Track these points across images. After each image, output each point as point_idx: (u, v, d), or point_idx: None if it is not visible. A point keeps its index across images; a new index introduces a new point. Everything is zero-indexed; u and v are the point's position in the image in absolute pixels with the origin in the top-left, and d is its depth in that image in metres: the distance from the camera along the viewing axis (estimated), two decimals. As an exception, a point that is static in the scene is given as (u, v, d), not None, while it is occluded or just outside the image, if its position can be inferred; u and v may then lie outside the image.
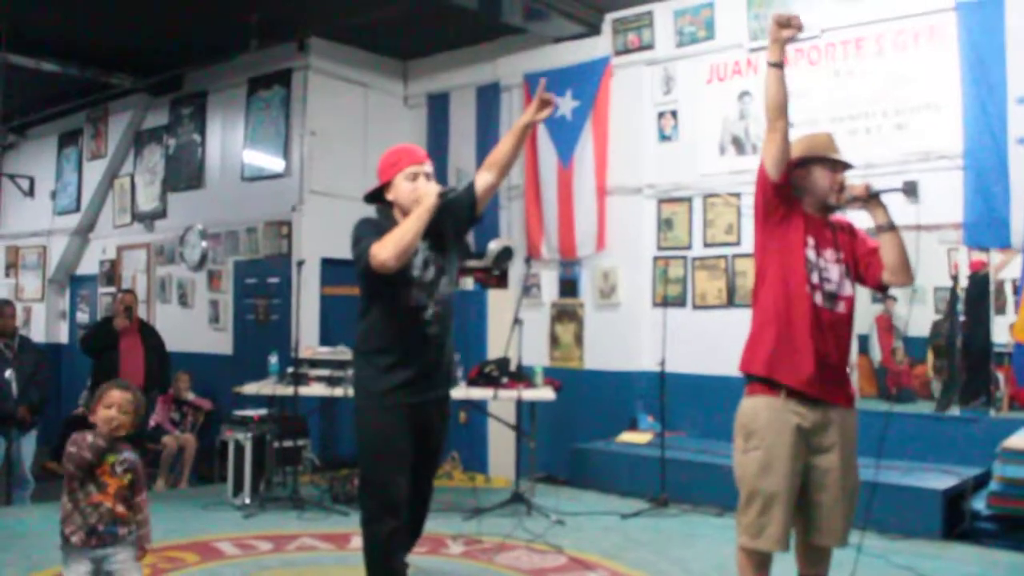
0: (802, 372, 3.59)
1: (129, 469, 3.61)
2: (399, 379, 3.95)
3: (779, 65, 3.56)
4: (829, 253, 3.71)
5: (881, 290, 3.87)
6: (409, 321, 3.97)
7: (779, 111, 3.57)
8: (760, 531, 3.59)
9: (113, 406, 3.61)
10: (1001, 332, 6.75)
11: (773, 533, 3.57)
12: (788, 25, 3.51)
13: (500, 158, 4.07)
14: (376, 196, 4.13)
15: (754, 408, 3.68)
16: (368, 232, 3.88)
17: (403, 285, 3.93)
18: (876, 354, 8.18)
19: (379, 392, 3.96)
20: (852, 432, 3.73)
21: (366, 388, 4.02)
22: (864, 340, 8.09)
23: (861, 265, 3.75)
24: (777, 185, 3.64)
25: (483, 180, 4.08)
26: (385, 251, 3.74)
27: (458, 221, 4.11)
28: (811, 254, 3.67)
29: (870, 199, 3.67)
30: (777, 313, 3.67)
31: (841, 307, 3.70)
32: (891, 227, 3.65)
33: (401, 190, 3.99)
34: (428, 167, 4.04)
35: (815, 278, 3.65)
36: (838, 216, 3.85)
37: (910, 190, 6.74)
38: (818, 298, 3.65)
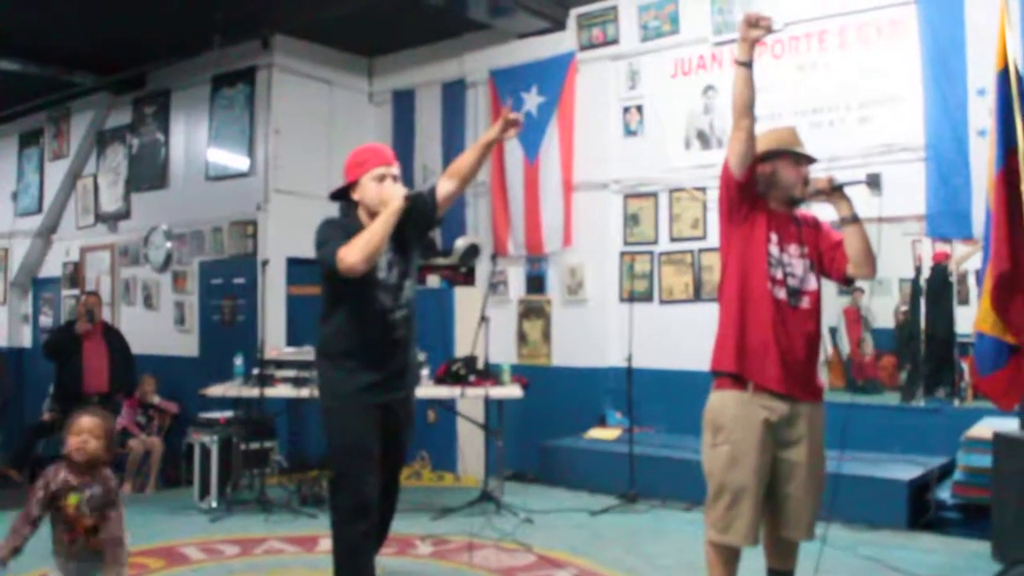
0: (768, 370, 3.61)
1: (96, 507, 3.52)
2: (366, 381, 3.94)
3: (747, 64, 3.57)
4: (793, 248, 3.73)
5: (846, 283, 3.89)
6: (375, 324, 3.96)
7: (745, 110, 3.59)
8: (728, 525, 3.61)
9: (83, 433, 3.52)
10: (964, 323, 6.78)
11: (741, 527, 3.58)
12: (757, 25, 3.51)
13: (462, 169, 4.07)
14: (341, 195, 4.10)
15: (722, 402, 3.69)
16: (333, 234, 3.84)
17: (369, 287, 3.91)
18: (844, 346, 8.23)
19: (347, 393, 3.95)
20: (820, 425, 3.75)
21: (333, 390, 4.00)
22: (832, 332, 8.13)
23: (826, 259, 3.76)
24: (741, 183, 3.66)
25: (444, 187, 4.07)
26: (353, 254, 3.71)
27: (419, 225, 4.09)
28: (774, 250, 3.69)
29: (833, 192, 3.70)
30: (740, 310, 3.69)
31: (805, 302, 3.71)
32: (854, 220, 3.68)
33: (367, 191, 3.96)
34: (395, 169, 4.02)
35: (778, 274, 3.67)
36: (803, 210, 3.87)
37: (873, 182, 6.74)
38: (781, 294, 3.67)
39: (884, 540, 5.67)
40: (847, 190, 3.73)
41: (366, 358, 3.95)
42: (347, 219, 4.02)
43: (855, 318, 8.16)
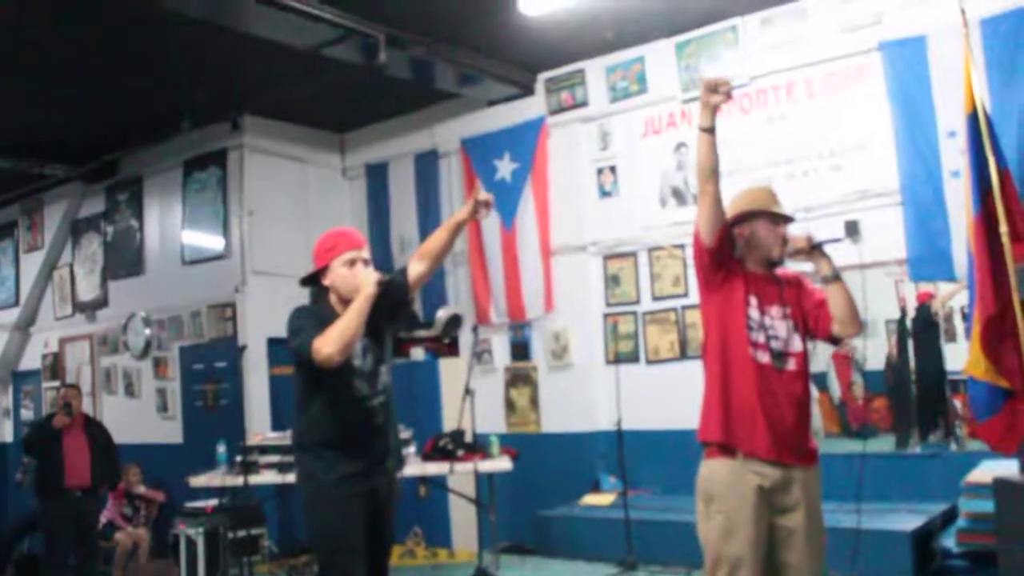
0: (756, 437, 3.51)
1: None
2: (347, 470, 3.82)
3: (710, 130, 3.50)
4: (775, 310, 3.64)
5: (832, 342, 3.77)
6: (353, 412, 3.85)
7: (709, 175, 3.53)
8: None
9: None
10: (953, 360, 6.73)
11: None
12: (716, 90, 3.45)
13: (433, 250, 4.02)
14: (311, 280, 4.01)
15: (712, 471, 3.58)
16: (306, 323, 3.75)
17: (345, 375, 3.81)
18: (836, 390, 8.15)
19: (328, 484, 3.81)
20: (816, 489, 3.62)
21: (315, 479, 3.86)
22: (823, 377, 8.06)
23: (810, 319, 3.67)
24: (713, 249, 3.58)
25: (415, 269, 4.02)
26: (329, 346, 3.62)
27: (392, 309, 4.00)
28: (754, 313, 3.60)
29: (813, 250, 3.61)
30: (723, 377, 3.59)
31: (791, 364, 3.61)
32: (836, 278, 3.58)
33: (338, 276, 3.87)
34: (365, 252, 3.94)
35: (760, 338, 3.58)
36: (784, 269, 3.78)
37: (852, 230, 6.76)
38: (764, 358, 3.57)
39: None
40: (826, 248, 3.64)
41: (345, 447, 3.83)
42: (319, 305, 3.93)
43: (845, 362, 8.09)
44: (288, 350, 3.86)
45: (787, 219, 3.70)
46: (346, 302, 3.80)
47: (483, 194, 3.94)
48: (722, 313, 3.63)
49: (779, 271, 3.74)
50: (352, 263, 3.87)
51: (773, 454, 3.50)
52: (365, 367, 3.89)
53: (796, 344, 3.64)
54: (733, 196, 3.67)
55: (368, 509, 3.89)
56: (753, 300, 3.61)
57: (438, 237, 4.03)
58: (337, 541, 3.81)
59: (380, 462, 3.95)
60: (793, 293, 3.70)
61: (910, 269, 6.56)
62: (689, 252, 7.44)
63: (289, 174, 9.59)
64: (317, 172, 9.83)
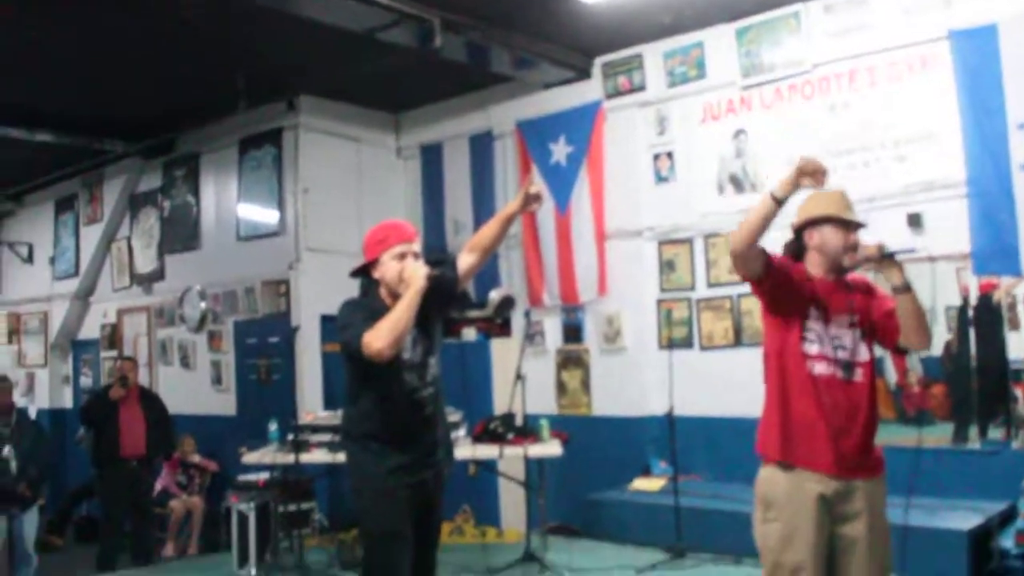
0: (817, 457, 3.43)
1: None
2: (396, 462, 3.82)
3: (780, 201, 3.37)
4: (842, 318, 3.55)
5: (898, 352, 3.67)
6: (402, 404, 3.85)
7: (751, 242, 3.40)
8: None
9: None
10: (1017, 349, 6.62)
11: None
12: (812, 174, 3.35)
13: (484, 242, 4.00)
14: (361, 272, 4.02)
15: (771, 476, 3.52)
16: (356, 317, 3.75)
17: (395, 368, 3.81)
18: (891, 375, 8.06)
19: (377, 475, 3.82)
20: (881, 498, 3.54)
21: (364, 472, 3.88)
22: (879, 362, 7.95)
23: (879, 329, 3.57)
24: (760, 283, 3.51)
25: (465, 262, 4.00)
26: (380, 340, 3.62)
27: (442, 302, 3.99)
28: (814, 325, 3.52)
29: (883, 260, 3.46)
30: (781, 392, 3.53)
31: (859, 375, 3.51)
32: (906, 288, 3.44)
33: (388, 269, 3.86)
34: (416, 245, 3.93)
35: (819, 350, 3.51)
36: (854, 275, 3.66)
37: (914, 223, 6.64)
38: (825, 370, 3.49)
39: (943, 595, 5.46)
40: (898, 258, 3.48)
41: (394, 439, 3.84)
42: (368, 298, 3.93)
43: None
44: (340, 344, 3.86)
45: (858, 225, 3.58)
46: (395, 295, 3.79)
47: (534, 187, 3.91)
48: (780, 325, 3.56)
49: (849, 277, 3.63)
50: (403, 256, 3.85)
51: (835, 470, 3.43)
52: (415, 359, 3.89)
53: (863, 353, 3.55)
54: (805, 198, 3.60)
55: (416, 500, 3.89)
56: (814, 311, 3.53)
57: (489, 230, 4.01)
58: (384, 531, 3.82)
59: (429, 454, 3.95)
60: (862, 300, 3.60)
61: (974, 263, 6.42)
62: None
63: (344, 153, 9.62)
64: (372, 152, 9.84)
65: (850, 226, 3.56)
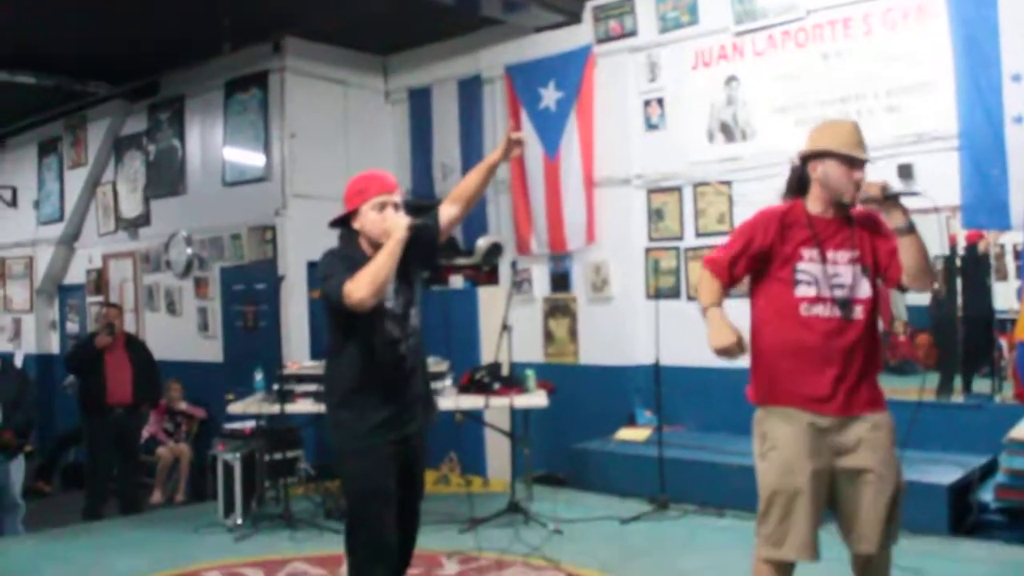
0: (813, 398, 3.45)
1: None
2: (380, 417, 3.81)
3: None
4: (842, 254, 3.51)
5: (901, 290, 3.65)
6: (386, 356, 3.83)
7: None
8: (782, 539, 3.41)
9: None
10: (1002, 299, 6.62)
11: (796, 540, 3.39)
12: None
13: (466, 193, 3.98)
14: (341, 223, 3.96)
15: (767, 413, 3.55)
16: (338, 267, 3.71)
17: (377, 319, 3.78)
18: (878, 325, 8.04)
19: (362, 433, 3.80)
20: (885, 429, 3.50)
21: (348, 430, 3.85)
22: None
23: (882, 267, 3.54)
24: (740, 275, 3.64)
25: (447, 213, 3.98)
26: (361, 289, 3.58)
27: (423, 252, 3.95)
28: (809, 267, 3.50)
29: (887, 200, 3.40)
30: (773, 339, 3.54)
31: (857, 312, 3.49)
32: (910, 230, 3.40)
33: (368, 220, 3.81)
34: (397, 196, 3.87)
35: (822, 291, 3.49)
36: (862, 209, 3.58)
37: (905, 174, 6.57)
38: (820, 311, 3.49)
39: (925, 548, 5.46)
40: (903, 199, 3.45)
41: (377, 393, 3.82)
42: (349, 249, 3.88)
43: (886, 296, 7.96)
44: (321, 295, 3.82)
45: (863, 162, 3.51)
46: (376, 246, 3.75)
47: (515, 133, 3.89)
48: (770, 275, 3.55)
49: (856, 212, 3.57)
50: (383, 207, 3.81)
51: (832, 409, 3.43)
52: (396, 309, 3.86)
53: (863, 290, 3.52)
54: (814, 128, 3.61)
55: (400, 455, 3.89)
56: (807, 253, 3.50)
57: (471, 180, 3.98)
58: (368, 489, 3.81)
59: (411, 408, 3.94)
60: (868, 237, 3.55)
61: (964, 216, 6.35)
62: (736, 188, 7.40)
63: (331, 97, 9.48)
64: (359, 96, 9.69)
65: (855, 163, 3.49)
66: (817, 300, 3.48)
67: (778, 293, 3.53)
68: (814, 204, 3.56)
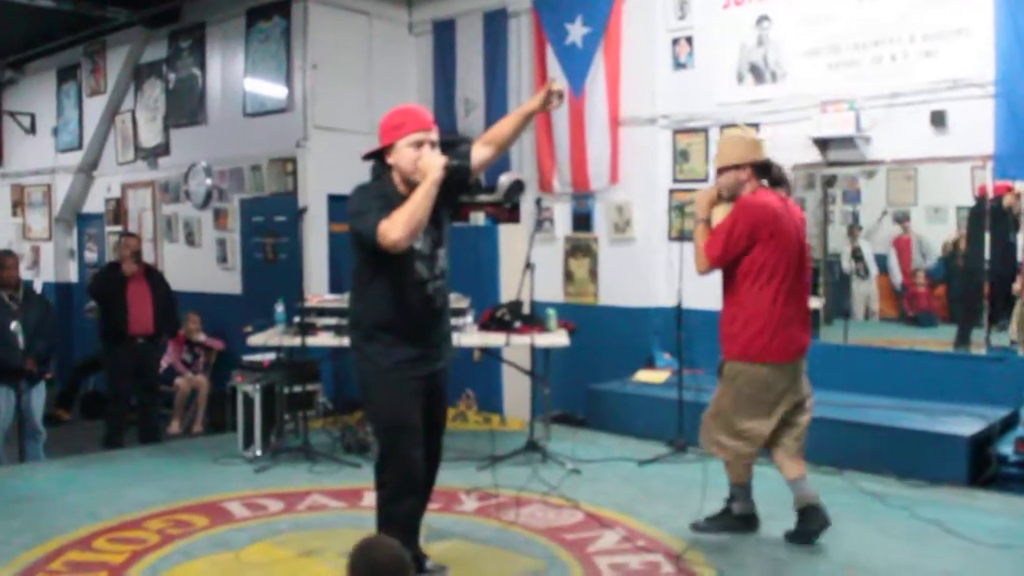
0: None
1: None
2: (406, 354, 3.82)
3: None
4: None
5: None
6: (413, 295, 3.82)
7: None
8: None
9: None
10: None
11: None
12: None
13: (499, 138, 3.96)
14: (375, 156, 3.91)
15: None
16: (371, 204, 3.67)
17: (406, 258, 3.76)
18: (897, 274, 8.01)
19: (387, 368, 3.81)
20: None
21: (374, 363, 3.86)
22: (883, 260, 7.92)
23: None
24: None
25: (480, 154, 3.94)
26: (396, 231, 3.55)
27: (453, 192, 3.91)
28: None
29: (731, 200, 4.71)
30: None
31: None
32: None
33: (403, 156, 3.76)
34: (434, 134, 3.81)
35: None
36: None
37: (937, 121, 6.46)
38: None
39: (944, 498, 5.48)
40: None
41: (404, 331, 3.82)
42: (381, 184, 3.83)
43: (907, 247, 7.91)
44: (351, 231, 3.79)
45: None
46: (409, 183, 3.72)
47: (556, 84, 3.85)
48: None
49: None
50: (419, 144, 3.75)
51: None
52: (425, 250, 3.84)
53: None
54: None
55: (424, 391, 3.91)
56: None
57: (507, 125, 3.95)
58: (396, 425, 3.84)
59: (436, 347, 3.94)
60: None
61: (996, 166, 6.25)
62: (765, 132, 7.28)
63: (354, 28, 9.35)
64: (383, 27, 9.55)
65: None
66: None
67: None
68: None
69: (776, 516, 4.98)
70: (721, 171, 4.79)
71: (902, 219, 7.77)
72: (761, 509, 4.95)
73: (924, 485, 5.70)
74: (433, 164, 3.66)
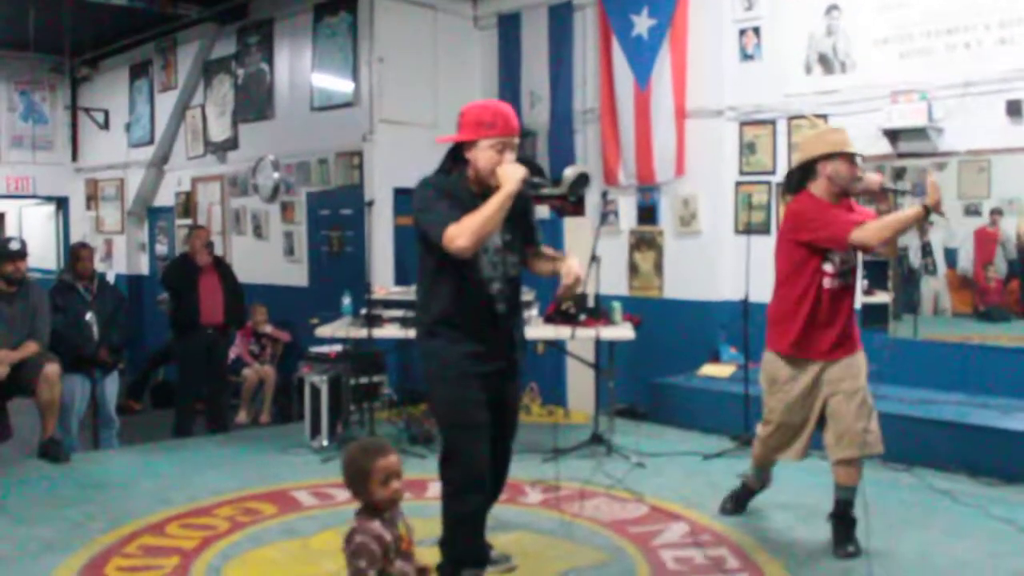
0: (815, 347, 4.51)
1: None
2: (470, 349, 3.80)
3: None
4: None
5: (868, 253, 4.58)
6: (476, 296, 3.80)
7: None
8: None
9: (392, 476, 2.97)
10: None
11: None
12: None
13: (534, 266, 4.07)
14: (452, 147, 3.87)
15: (775, 361, 4.80)
16: (438, 203, 3.65)
17: (472, 260, 3.74)
18: (969, 268, 7.83)
19: (451, 361, 3.80)
20: (858, 367, 4.52)
21: (438, 356, 3.85)
22: (952, 253, 7.75)
23: None
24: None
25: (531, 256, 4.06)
26: (464, 238, 3.53)
27: (524, 204, 3.88)
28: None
29: (880, 192, 4.59)
30: (799, 302, 4.50)
31: (851, 279, 4.51)
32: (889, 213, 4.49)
33: (485, 157, 3.70)
34: (516, 140, 3.77)
35: (836, 266, 4.43)
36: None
37: (1013, 111, 6.31)
38: (829, 283, 4.43)
39: (1017, 497, 5.35)
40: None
41: (465, 328, 3.80)
42: (449, 178, 3.81)
43: (991, 239, 7.70)
44: (416, 225, 3.77)
45: (861, 158, 4.46)
46: (482, 183, 3.69)
47: (570, 276, 3.75)
48: (808, 253, 4.44)
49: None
50: (502, 149, 3.71)
51: (827, 356, 4.52)
52: (492, 252, 3.82)
53: (855, 260, 4.51)
54: (816, 134, 4.73)
55: (490, 389, 3.88)
56: None
57: (541, 266, 4.04)
58: (460, 422, 3.82)
59: (503, 350, 3.91)
60: (855, 217, 4.39)
61: (1074, 156, 6.10)
62: (832, 122, 7.17)
63: (420, 22, 9.38)
64: (448, 20, 9.58)
65: (854, 159, 4.41)
66: (833, 275, 4.43)
67: (811, 265, 4.44)
68: (820, 194, 4.45)
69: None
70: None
71: (993, 212, 7.59)
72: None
73: (997, 483, 5.58)
74: (513, 176, 3.59)
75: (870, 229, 4.21)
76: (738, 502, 5.16)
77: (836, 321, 4.46)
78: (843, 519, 4.53)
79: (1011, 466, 5.64)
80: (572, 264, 3.79)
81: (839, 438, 4.44)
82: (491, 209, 3.55)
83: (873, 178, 4.43)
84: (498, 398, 3.90)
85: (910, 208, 4.34)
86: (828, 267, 4.40)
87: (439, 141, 3.98)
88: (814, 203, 4.43)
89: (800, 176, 4.53)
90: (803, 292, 4.45)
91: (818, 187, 4.43)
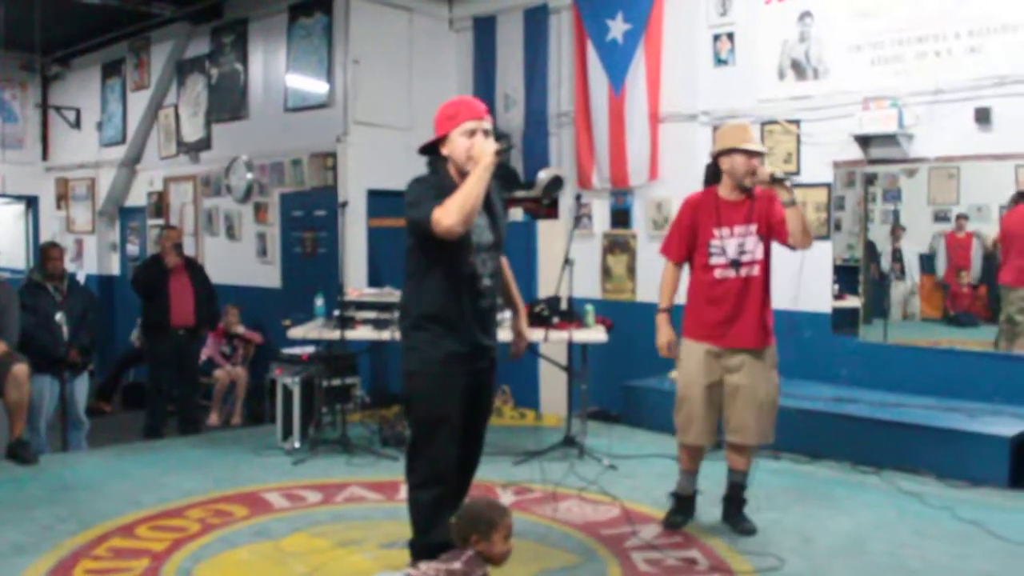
0: (714, 334, 4.81)
1: None
2: (453, 349, 3.82)
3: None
4: (745, 228, 4.70)
5: (791, 248, 4.69)
6: (465, 289, 3.83)
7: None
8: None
9: (510, 536, 3.34)
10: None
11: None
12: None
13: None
14: (430, 149, 3.92)
15: (685, 346, 5.04)
16: (425, 194, 3.69)
17: (463, 251, 3.77)
18: (941, 272, 7.93)
19: (436, 359, 3.82)
20: (767, 360, 4.80)
21: (420, 353, 3.86)
22: (928, 259, 7.84)
23: (773, 231, 4.68)
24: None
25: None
26: (449, 216, 3.55)
27: (504, 185, 3.93)
28: (720, 242, 4.72)
29: (773, 182, 4.53)
30: (695, 292, 4.92)
31: (755, 270, 4.71)
32: (792, 203, 4.52)
33: (457, 146, 3.76)
34: (487, 123, 3.81)
35: (728, 257, 4.70)
36: (762, 188, 4.67)
37: (982, 118, 6.39)
38: (721, 273, 4.72)
39: (984, 499, 5.43)
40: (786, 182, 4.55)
41: (454, 323, 3.82)
42: (437, 176, 3.85)
43: (962, 245, 7.79)
44: (407, 222, 3.79)
45: (758, 153, 4.66)
46: (463, 173, 3.72)
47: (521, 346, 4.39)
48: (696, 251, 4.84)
49: (758, 190, 4.68)
50: (472, 133, 3.76)
51: (724, 343, 4.81)
52: (484, 244, 3.86)
53: (760, 252, 4.71)
54: (719, 130, 5.03)
55: (469, 387, 3.90)
56: (718, 232, 4.71)
57: (508, 292, 4.33)
58: (434, 416, 3.84)
59: (483, 343, 3.94)
60: (765, 209, 4.67)
61: (1042, 164, 6.18)
62: (805, 128, 7.25)
63: (395, 24, 9.37)
64: (423, 22, 9.58)
65: (751, 154, 4.64)
66: (722, 265, 4.71)
67: (699, 261, 4.81)
68: (724, 190, 4.77)
69: (813, 516, 4.95)
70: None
71: (959, 217, 7.68)
72: (801, 509, 4.92)
73: (964, 486, 5.65)
74: (486, 150, 3.66)
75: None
76: (684, 511, 5.13)
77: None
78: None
79: (978, 469, 5.71)
80: (524, 331, 4.36)
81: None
82: (470, 185, 3.61)
83: (763, 170, 4.58)
84: (474, 395, 3.93)
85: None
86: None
87: (419, 149, 4.01)
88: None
89: (715, 171, 4.83)
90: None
91: (723, 182, 4.77)
